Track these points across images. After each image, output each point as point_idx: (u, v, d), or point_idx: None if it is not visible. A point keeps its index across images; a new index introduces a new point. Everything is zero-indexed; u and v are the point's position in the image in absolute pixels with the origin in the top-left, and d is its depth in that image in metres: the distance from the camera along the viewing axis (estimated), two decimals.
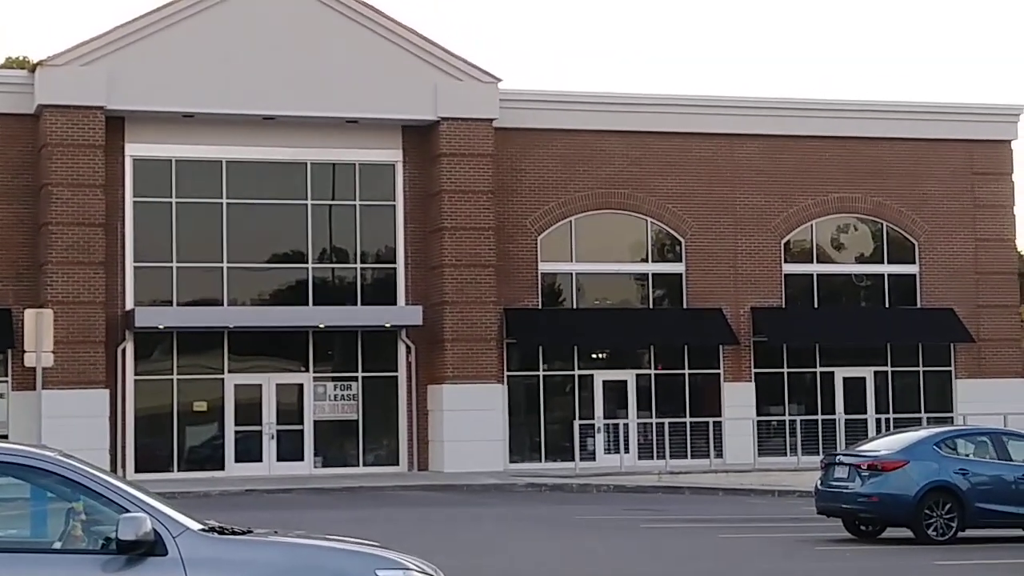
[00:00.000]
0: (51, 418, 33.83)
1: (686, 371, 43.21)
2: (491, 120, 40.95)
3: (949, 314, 44.78)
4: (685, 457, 41.36)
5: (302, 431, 40.53)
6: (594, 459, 41.29)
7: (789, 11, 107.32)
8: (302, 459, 40.33)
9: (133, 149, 39.52)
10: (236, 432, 40.00)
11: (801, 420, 42.72)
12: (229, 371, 40.03)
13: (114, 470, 36.73)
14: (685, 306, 43.27)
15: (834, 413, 43.48)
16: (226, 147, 39.97)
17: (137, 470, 38.33)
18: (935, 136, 45.27)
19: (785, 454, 42.31)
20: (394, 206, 41.38)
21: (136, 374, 39.28)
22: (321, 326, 40.19)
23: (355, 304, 40.88)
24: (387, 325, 40.65)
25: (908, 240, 45.24)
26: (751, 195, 43.72)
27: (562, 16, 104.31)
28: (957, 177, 45.45)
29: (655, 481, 37.24)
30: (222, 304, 39.89)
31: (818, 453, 37.87)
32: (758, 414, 42.93)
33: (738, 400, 42.93)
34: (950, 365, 45.12)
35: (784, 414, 43.37)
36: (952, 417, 43.36)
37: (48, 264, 37.71)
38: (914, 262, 45.22)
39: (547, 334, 41.87)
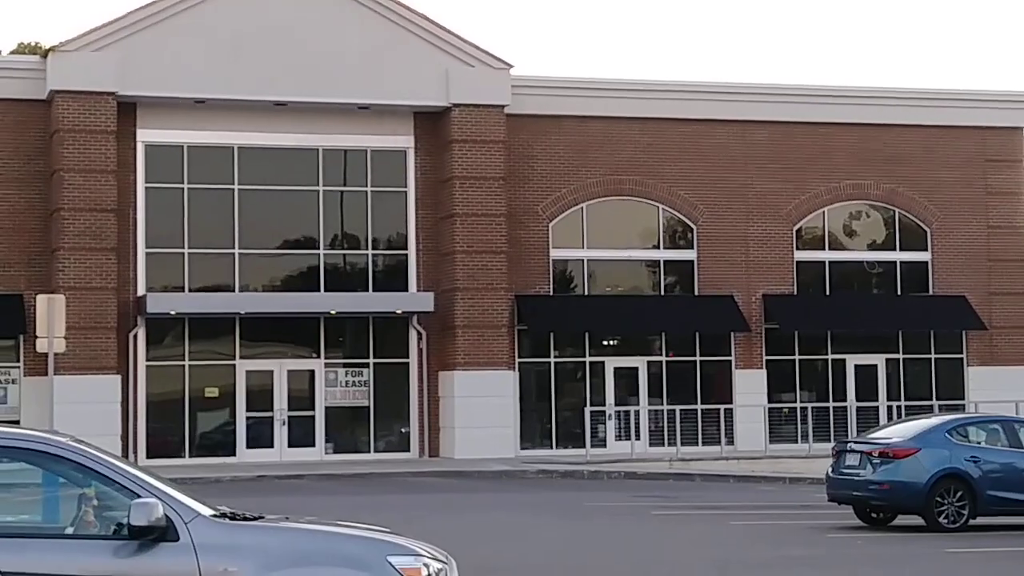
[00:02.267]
0: (63, 404, 33.92)
1: (697, 358, 43.19)
2: (503, 106, 40.93)
3: (961, 301, 44.70)
4: (696, 444, 41.36)
5: (313, 417, 40.57)
6: (605, 446, 41.29)
7: None
8: (313, 445, 40.38)
9: (145, 135, 39.54)
10: (247, 418, 40.06)
11: (812, 407, 42.67)
12: (241, 357, 40.08)
13: (126, 456, 36.80)
14: (696, 293, 43.23)
15: (845, 400, 43.45)
16: (238, 133, 39.98)
17: (149, 456, 38.39)
18: (948, 123, 45.15)
19: (796, 441, 42.28)
20: (406, 192, 41.38)
21: (148, 360, 39.33)
22: (332, 312, 40.22)
23: (366, 290, 40.91)
24: (398, 311, 40.66)
25: (920, 227, 45.16)
26: (763, 182, 43.66)
27: (573, 2, 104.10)
28: (969, 164, 45.35)
29: (666, 468, 37.24)
30: (234, 290, 39.93)
31: (829, 440, 37.84)
32: (769, 401, 42.89)
33: (749, 387, 42.90)
34: (962, 352, 45.05)
35: (795, 401, 43.33)
36: (964, 404, 43.30)
37: (60, 250, 37.76)
38: (926, 249, 45.14)
39: (558, 321, 41.86)
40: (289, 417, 40.35)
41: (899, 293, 44.99)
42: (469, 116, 40.57)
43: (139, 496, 8.73)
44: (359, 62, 39.93)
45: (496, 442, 39.83)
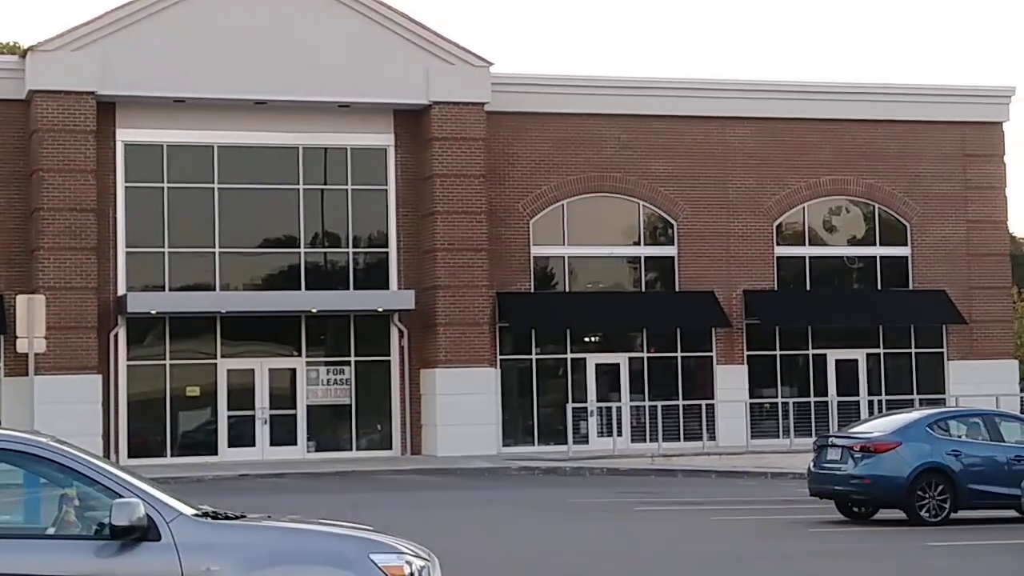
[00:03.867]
0: (44, 404, 33.83)
1: (679, 354, 43.25)
2: (483, 104, 40.92)
3: (941, 295, 44.83)
4: (678, 440, 41.39)
5: (295, 416, 40.55)
6: (587, 442, 41.32)
7: None
8: (295, 444, 40.36)
9: (124, 134, 39.46)
10: (229, 417, 40.02)
11: (794, 402, 42.74)
12: (222, 356, 40.04)
13: (107, 456, 36.73)
14: (677, 289, 43.29)
15: (827, 395, 43.54)
16: (218, 132, 39.93)
17: (130, 456, 38.34)
18: (927, 118, 45.27)
19: (778, 436, 42.34)
20: (386, 190, 41.37)
21: (129, 359, 39.27)
22: (313, 311, 40.19)
23: (347, 289, 40.89)
24: (379, 309, 40.65)
25: (900, 222, 45.27)
26: (743, 178, 43.73)
27: (553, 0, 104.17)
28: (949, 159, 45.47)
29: (648, 464, 37.28)
30: (214, 289, 39.88)
31: (811, 435, 37.90)
32: (751, 396, 42.96)
33: (731, 383, 42.97)
34: (942, 346, 45.17)
35: (777, 396, 43.41)
36: (944, 398, 43.41)
37: (40, 250, 37.67)
38: (906, 244, 45.25)
39: (540, 318, 41.88)
40: (271, 416, 40.32)
41: (879, 288, 45.10)
42: (449, 114, 40.56)
43: (120, 496, 8.72)
44: (339, 61, 39.88)
45: (478, 439, 39.84)
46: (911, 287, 45.14)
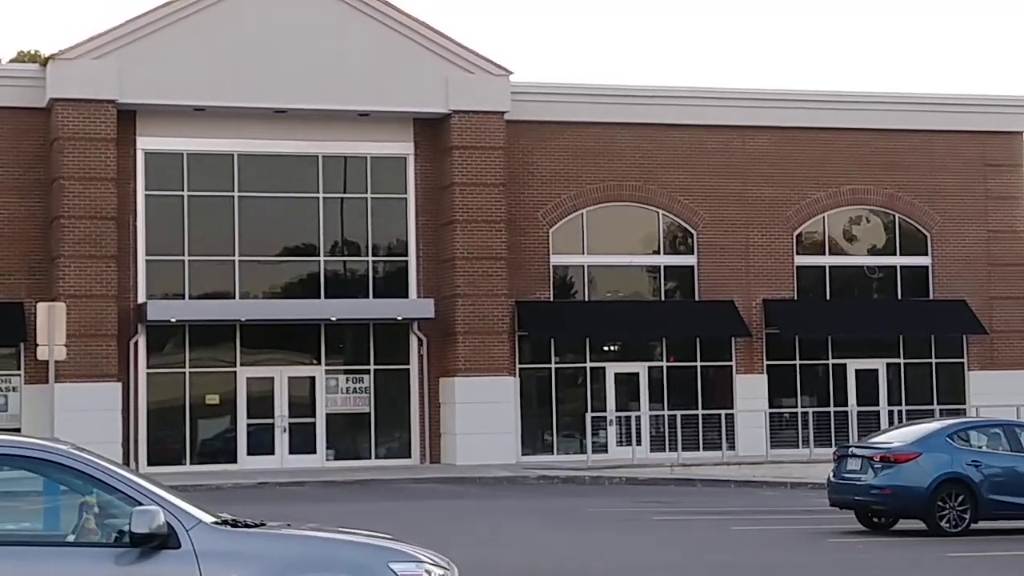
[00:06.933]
0: (64, 411, 33.88)
1: (698, 363, 43.19)
2: (502, 113, 40.94)
3: (961, 306, 44.70)
4: (697, 449, 41.35)
5: (314, 424, 40.57)
6: (606, 451, 41.28)
7: (801, 2, 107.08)
8: (314, 452, 40.38)
9: (145, 142, 39.56)
10: (248, 425, 40.06)
11: (813, 412, 42.67)
12: (241, 364, 40.08)
13: (127, 463, 36.78)
14: (697, 298, 43.24)
15: (846, 405, 43.45)
16: (238, 140, 40.00)
17: (150, 463, 38.39)
18: (947, 128, 45.18)
19: (797, 446, 42.26)
20: (406, 199, 41.39)
21: (148, 367, 39.34)
22: (333, 319, 40.22)
23: (367, 297, 40.91)
24: (399, 318, 40.67)
25: (920, 232, 45.17)
26: (763, 187, 43.68)
27: (573, 8, 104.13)
28: (969, 169, 45.37)
29: (667, 473, 37.21)
30: (234, 297, 39.93)
31: (830, 445, 37.82)
32: (770, 406, 42.88)
33: (750, 392, 42.90)
34: (963, 357, 45.04)
35: (796, 406, 43.33)
36: (965, 409, 43.28)
37: (60, 258, 37.77)
38: (926, 254, 45.15)
39: (559, 326, 41.86)
40: (290, 424, 40.35)
41: (899, 298, 45.00)
42: (469, 122, 40.58)
43: (140, 503, 8.73)
44: (359, 69, 39.94)
45: (497, 448, 39.81)
46: (931, 297, 45.02)
